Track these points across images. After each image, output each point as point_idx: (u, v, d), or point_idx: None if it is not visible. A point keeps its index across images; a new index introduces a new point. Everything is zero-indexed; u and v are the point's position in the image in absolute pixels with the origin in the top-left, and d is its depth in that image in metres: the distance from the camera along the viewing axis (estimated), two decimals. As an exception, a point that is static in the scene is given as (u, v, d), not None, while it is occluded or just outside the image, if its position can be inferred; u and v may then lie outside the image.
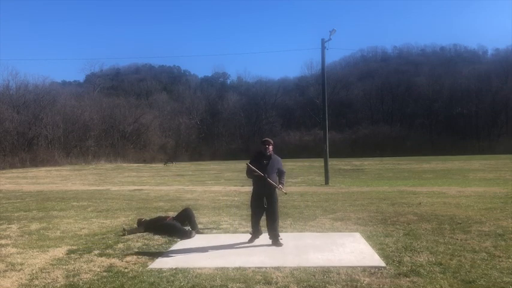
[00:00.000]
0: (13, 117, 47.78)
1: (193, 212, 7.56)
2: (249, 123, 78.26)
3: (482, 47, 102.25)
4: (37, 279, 4.59)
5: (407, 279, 4.31)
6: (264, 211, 5.99)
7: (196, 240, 6.44)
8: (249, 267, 4.81)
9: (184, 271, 4.73)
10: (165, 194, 14.27)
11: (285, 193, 6.58)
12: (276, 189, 6.05)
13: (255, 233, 6.14)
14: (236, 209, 10.01)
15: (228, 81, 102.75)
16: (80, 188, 17.97)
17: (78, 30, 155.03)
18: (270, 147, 5.96)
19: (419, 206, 9.78)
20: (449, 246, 5.64)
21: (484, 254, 5.22)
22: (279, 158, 6.13)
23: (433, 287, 4.08)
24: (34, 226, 7.95)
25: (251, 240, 6.09)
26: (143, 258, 5.39)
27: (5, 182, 21.96)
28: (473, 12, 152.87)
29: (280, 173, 6.10)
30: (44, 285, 4.38)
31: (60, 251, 5.87)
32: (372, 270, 4.61)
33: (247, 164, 6.03)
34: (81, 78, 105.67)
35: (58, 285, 4.39)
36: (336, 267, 4.73)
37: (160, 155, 58.92)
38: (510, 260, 4.91)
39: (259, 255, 5.42)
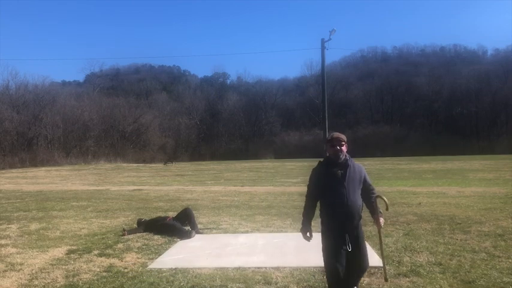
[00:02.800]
0: (13, 117, 47.80)
1: (193, 212, 7.56)
2: (248, 123, 78.27)
3: (482, 47, 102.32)
4: (37, 279, 4.59)
5: (407, 279, 4.31)
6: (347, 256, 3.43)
7: (196, 240, 6.43)
8: (249, 267, 4.81)
9: (184, 271, 4.73)
10: (164, 194, 14.26)
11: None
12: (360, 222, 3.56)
13: None
14: (236, 209, 10.00)
15: (228, 81, 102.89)
16: (80, 188, 17.96)
17: (78, 30, 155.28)
18: (344, 148, 3.53)
19: (419, 206, 9.78)
20: (449, 247, 5.64)
21: (484, 254, 5.22)
22: (361, 165, 3.64)
23: (433, 287, 4.09)
24: (34, 226, 7.95)
25: None
26: (143, 258, 5.39)
27: (5, 182, 21.94)
28: (473, 12, 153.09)
29: (368, 191, 3.61)
30: (44, 285, 4.38)
31: (59, 251, 5.86)
32: (372, 270, 4.60)
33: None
34: (81, 78, 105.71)
35: (58, 285, 4.39)
36: (335, 267, 4.72)
37: (160, 155, 58.88)
38: (510, 260, 4.92)
39: (259, 255, 5.41)
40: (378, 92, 79.89)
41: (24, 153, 44.83)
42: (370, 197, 3.60)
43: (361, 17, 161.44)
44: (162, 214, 8.53)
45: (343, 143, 3.52)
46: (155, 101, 78.82)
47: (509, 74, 74.29)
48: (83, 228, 7.71)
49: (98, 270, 4.90)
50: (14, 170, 35.68)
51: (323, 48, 19.35)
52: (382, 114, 79.43)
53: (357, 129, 71.25)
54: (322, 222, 3.57)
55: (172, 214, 8.01)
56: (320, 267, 4.75)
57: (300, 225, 3.75)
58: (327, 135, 3.60)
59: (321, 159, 3.63)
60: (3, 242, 6.59)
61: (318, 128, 62.24)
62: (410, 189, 14.28)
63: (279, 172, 27.72)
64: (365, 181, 3.58)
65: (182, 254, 5.56)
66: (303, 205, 3.65)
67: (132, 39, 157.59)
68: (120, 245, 6.15)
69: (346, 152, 3.56)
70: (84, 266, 5.06)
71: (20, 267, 5.09)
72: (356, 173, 3.52)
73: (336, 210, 3.43)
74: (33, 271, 4.90)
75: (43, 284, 4.43)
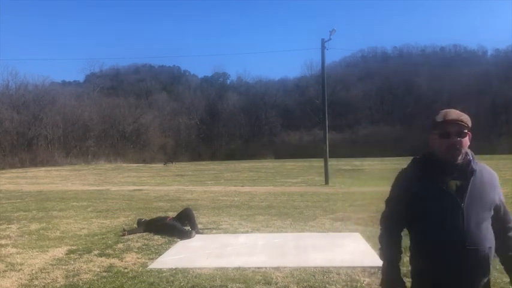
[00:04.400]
0: (13, 117, 47.79)
1: (193, 212, 7.56)
2: (248, 123, 78.23)
3: (482, 47, 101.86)
4: (37, 279, 4.59)
5: (408, 279, 4.29)
6: None
7: (196, 241, 6.43)
8: (249, 267, 4.81)
9: (184, 271, 4.73)
10: (164, 194, 14.26)
11: None
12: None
13: None
14: (236, 209, 10.00)
15: (228, 81, 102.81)
16: (80, 188, 17.95)
17: (78, 30, 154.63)
18: (466, 139, 2.05)
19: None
20: (449, 247, 5.62)
21: (484, 254, 5.20)
22: (493, 172, 2.06)
23: (433, 287, 4.07)
24: (34, 226, 7.94)
25: None
26: (143, 258, 5.39)
27: (5, 182, 21.94)
28: (473, 12, 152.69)
29: (502, 224, 1.95)
30: (44, 286, 4.38)
31: (60, 251, 5.86)
32: (372, 271, 4.60)
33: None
34: (81, 78, 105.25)
35: (58, 285, 4.39)
36: (336, 267, 4.72)
37: (160, 155, 58.86)
38: (510, 260, 4.90)
39: (259, 255, 5.41)
40: (378, 92, 79.88)
41: (24, 153, 44.83)
42: (504, 235, 1.94)
43: (361, 17, 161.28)
44: (162, 214, 8.52)
45: (466, 130, 1.99)
46: (155, 101, 78.79)
47: (509, 74, 74.21)
48: (83, 228, 7.71)
49: (98, 270, 4.90)
50: (14, 170, 35.67)
51: (323, 48, 19.33)
52: (382, 114, 79.37)
53: (357, 129, 71.33)
54: (413, 265, 2.09)
55: (172, 214, 8.01)
56: (320, 267, 4.75)
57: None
58: (436, 117, 2.02)
59: (417, 157, 2.11)
60: (3, 242, 6.58)
61: (318, 128, 62.18)
62: (411, 189, 14.27)
63: (279, 172, 27.72)
64: (500, 204, 1.94)
65: (182, 254, 5.56)
66: (379, 234, 2.09)
67: (132, 39, 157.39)
68: (120, 245, 6.15)
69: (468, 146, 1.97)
70: (84, 266, 5.05)
71: (20, 267, 5.08)
72: (485, 187, 1.91)
73: (443, 253, 1.86)
74: (33, 271, 4.90)
75: (43, 284, 4.43)
